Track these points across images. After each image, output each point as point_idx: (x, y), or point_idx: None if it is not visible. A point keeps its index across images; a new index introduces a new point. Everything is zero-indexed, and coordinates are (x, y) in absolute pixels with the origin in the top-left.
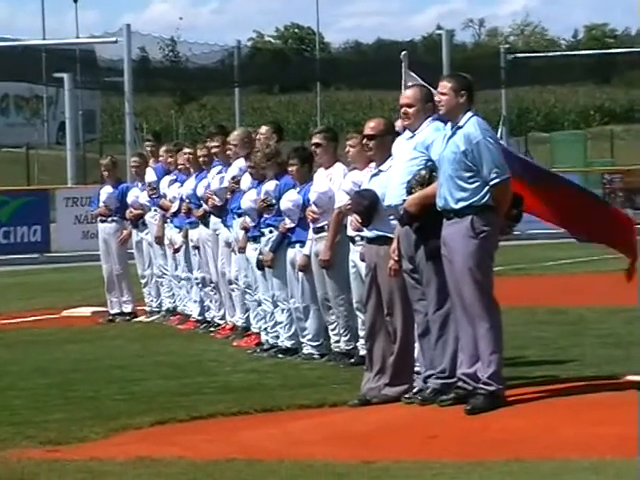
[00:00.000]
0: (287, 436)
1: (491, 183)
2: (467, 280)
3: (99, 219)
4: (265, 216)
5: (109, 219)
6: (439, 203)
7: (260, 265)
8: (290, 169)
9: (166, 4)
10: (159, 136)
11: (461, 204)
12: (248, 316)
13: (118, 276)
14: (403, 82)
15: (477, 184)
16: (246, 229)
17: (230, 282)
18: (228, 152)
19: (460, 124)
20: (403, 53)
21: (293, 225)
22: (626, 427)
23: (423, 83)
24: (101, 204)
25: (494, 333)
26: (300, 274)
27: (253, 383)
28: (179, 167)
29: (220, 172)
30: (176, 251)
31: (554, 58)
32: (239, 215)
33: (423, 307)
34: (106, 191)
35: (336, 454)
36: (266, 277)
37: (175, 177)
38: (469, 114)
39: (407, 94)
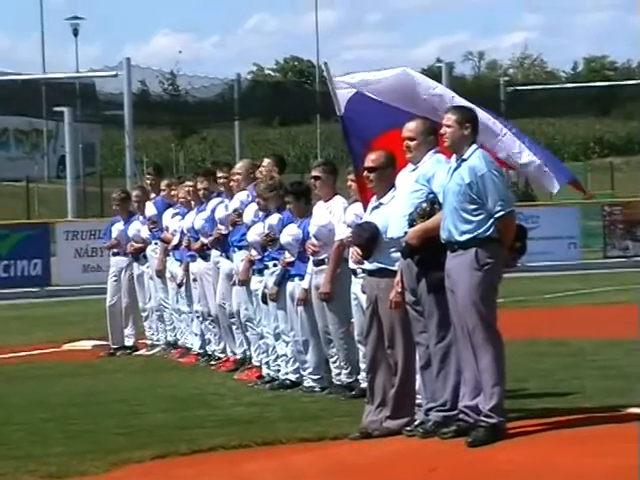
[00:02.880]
0: (288, 469)
1: (496, 215)
2: (471, 312)
3: (111, 252)
4: (269, 250)
5: (122, 252)
6: (443, 235)
7: (265, 299)
8: (287, 206)
9: (167, 38)
10: (160, 169)
11: (465, 236)
12: (246, 349)
13: (126, 309)
14: (331, 89)
15: (482, 216)
16: (251, 262)
17: (232, 315)
18: (232, 183)
19: (465, 156)
20: (324, 62)
21: (293, 259)
22: (627, 459)
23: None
24: (113, 239)
25: (497, 365)
26: (299, 308)
27: (254, 416)
28: (180, 200)
29: (221, 203)
30: (180, 285)
31: (554, 90)
32: (240, 248)
33: (425, 339)
34: (117, 228)
35: None
36: (269, 310)
37: (177, 210)
38: (474, 146)
39: (409, 127)
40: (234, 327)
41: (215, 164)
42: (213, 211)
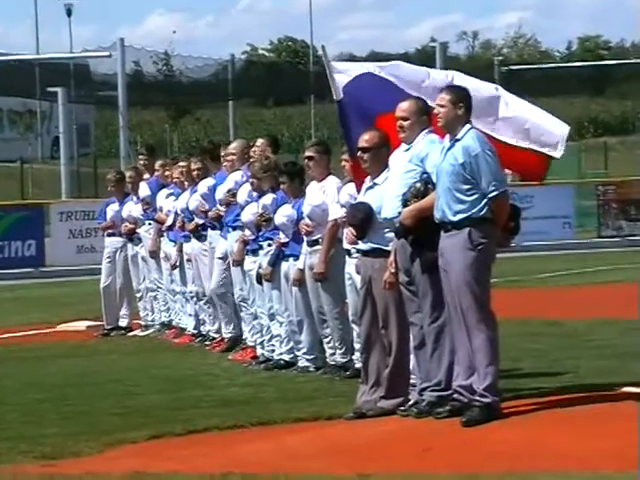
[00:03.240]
0: (283, 450)
1: (489, 196)
2: (464, 292)
3: (106, 233)
4: (263, 230)
5: (117, 232)
6: (437, 215)
7: (259, 279)
8: (281, 186)
9: (162, 18)
10: (153, 150)
11: (459, 216)
12: (235, 328)
13: (121, 289)
14: (328, 74)
15: (475, 196)
16: (245, 242)
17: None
18: (226, 164)
19: (458, 136)
20: (322, 45)
21: (287, 240)
22: (622, 439)
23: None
24: (108, 220)
25: (490, 345)
26: (294, 288)
27: (249, 397)
28: (174, 181)
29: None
30: (174, 267)
31: (548, 70)
32: (234, 228)
33: (419, 320)
34: (112, 209)
35: (332, 467)
36: (264, 290)
37: (171, 191)
38: (467, 126)
39: (402, 107)
40: (218, 307)
41: (212, 142)
42: (213, 190)
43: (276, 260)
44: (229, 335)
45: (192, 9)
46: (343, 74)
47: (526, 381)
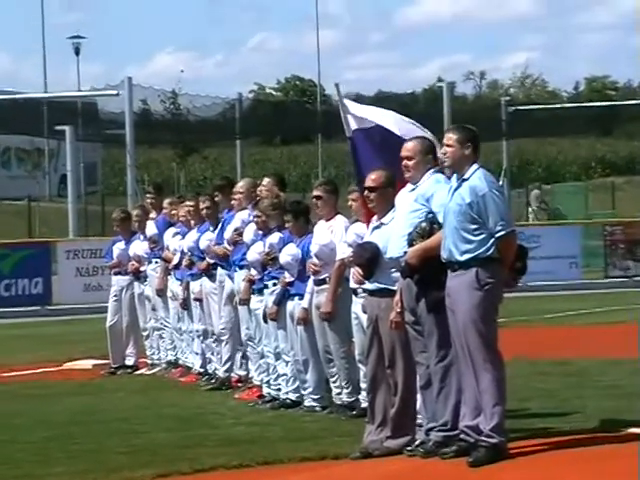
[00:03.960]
0: None
1: (497, 235)
2: (471, 332)
3: (113, 271)
4: (269, 269)
5: (123, 271)
6: (444, 255)
7: (266, 318)
8: (286, 225)
9: (170, 57)
10: (160, 188)
11: (466, 256)
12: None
13: (127, 328)
14: (342, 113)
15: (482, 236)
16: (251, 281)
17: (212, 333)
18: (233, 202)
19: (466, 176)
20: (335, 83)
21: (293, 279)
22: (625, 478)
23: (359, 115)
24: (115, 258)
25: (497, 385)
26: (299, 327)
27: (255, 436)
28: (180, 219)
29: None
30: (184, 307)
31: (555, 110)
32: (241, 267)
33: (425, 359)
34: (119, 247)
35: None
36: (270, 329)
37: (178, 229)
38: (475, 166)
39: (407, 147)
40: (224, 344)
41: (226, 179)
42: (223, 230)
43: (282, 299)
44: (225, 375)
45: (201, 48)
46: (355, 115)
47: (533, 421)
